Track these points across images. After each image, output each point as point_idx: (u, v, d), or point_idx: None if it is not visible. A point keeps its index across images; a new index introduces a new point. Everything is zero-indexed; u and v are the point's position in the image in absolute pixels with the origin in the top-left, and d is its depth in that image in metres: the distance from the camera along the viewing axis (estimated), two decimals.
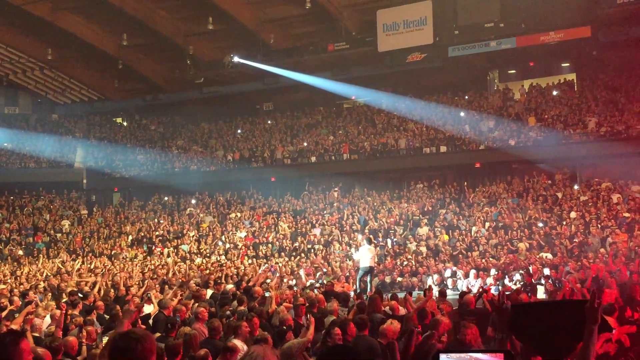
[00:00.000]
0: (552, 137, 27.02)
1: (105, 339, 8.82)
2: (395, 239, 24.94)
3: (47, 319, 10.86)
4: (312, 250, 24.71)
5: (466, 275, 19.50)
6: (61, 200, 35.49)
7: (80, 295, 13.86)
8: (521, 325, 3.33)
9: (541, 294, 15.35)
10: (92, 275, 20.54)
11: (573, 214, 23.42)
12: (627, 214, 22.43)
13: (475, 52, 30.89)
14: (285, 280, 18.71)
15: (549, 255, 20.44)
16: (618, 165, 25.54)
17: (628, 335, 9.39)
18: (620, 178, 25.25)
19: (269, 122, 37.74)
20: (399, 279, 20.49)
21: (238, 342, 8.19)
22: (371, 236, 21.16)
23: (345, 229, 26.39)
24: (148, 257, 26.23)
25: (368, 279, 17.38)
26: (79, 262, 23.94)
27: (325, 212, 28.62)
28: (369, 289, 16.77)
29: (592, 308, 3.20)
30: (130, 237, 29.52)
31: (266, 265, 21.39)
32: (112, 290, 14.68)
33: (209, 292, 14.82)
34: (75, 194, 36.30)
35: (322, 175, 31.28)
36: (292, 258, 24.13)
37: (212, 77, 36.63)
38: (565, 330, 3.20)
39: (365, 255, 17.32)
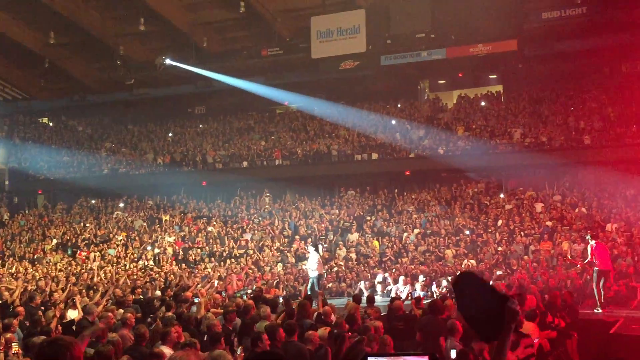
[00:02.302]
0: (479, 147, 27.71)
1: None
2: (325, 245, 25.05)
3: None
4: (245, 256, 24.55)
5: (395, 281, 19.76)
6: None
7: None
8: (461, 293, 3.38)
9: None
10: (13, 280, 19.85)
11: (499, 222, 24.05)
12: (549, 223, 23.18)
13: (406, 62, 31.43)
14: (216, 285, 18.53)
15: (474, 262, 20.91)
16: (541, 175, 26.42)
17: (548, 340, 9.72)
18: (543, 188, 26.10)
19: (201, 125, 37.35)
20: (329, 284, 20.58)
21: (166, 349, 8.06)
22: (317, 243, 21.19)
23: (276, 234, 26.35)
24: (72, 262, 25.53)
25: (309, 286, 17.36)
26: None
27: (256, 217, 28.49)
28: (303, 294, 16.81)
29: (513, 308, 3.28)
30: (54, 241, 28.66)
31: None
32: (37, 295, 14.20)
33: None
34: None
35: (253, 181, 31.14)
36: (222, 263, 23.96)
37: (143, 78, 36.03)
38: (489, 315, 3.26)
39: (314, 263, 17.36)
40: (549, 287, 15.57)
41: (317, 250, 18.44)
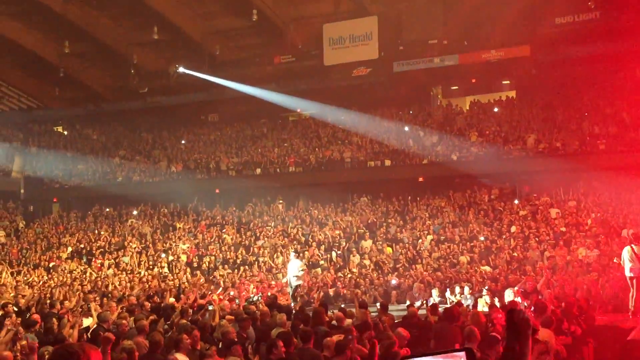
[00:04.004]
0: (493, 153, 27.61)
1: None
2: (338, 252, 25.01)
3: None
4: (257, 263, 24.57)
5: (410, 288, 19.68)
6: None
7: (15, 308, 13.46)
8: None
9: (481, 307, 15.60)
10: (28, 287, 19.98)
11: (513, 228, 23.93)
12: (564, 229, 23.04)
13: (419, 68, 31.41)
14: (232, 293, 18.58)
15: (488, 269, 20.79)
16: (556, 180, 26.25)
17: (564, 346, 9.64)
18: (558, 193, 25.95)
19: (214, 133, 37.47)
20: (343, 291, 20.52)
21: (180, 356, 8.08)
22: (299, 252, 21.15)
23: (289, 241, 26.35)
24: (88, 269, 25.66)
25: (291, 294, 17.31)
26: (6, 273, 23.25)
27: (269, 224, 28.52)
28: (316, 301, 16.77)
29: (522, 317, 3.28)
30: (69, 249, 28.81)
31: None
32: (49, 302, 14.26)
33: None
34: (12, 204, 35.24)
35: (266, 188, 31.18)
36: (236, 270, 23.99)
37: (157, 87, 36.21)
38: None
39: (297, 270, 17.32)
40: (565, 293, 15.44)
41: (298, 257, 18.43)
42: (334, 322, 10.67)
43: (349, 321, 10.55)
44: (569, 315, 11.50)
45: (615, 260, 14.10)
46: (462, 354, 3.10)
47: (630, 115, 26.85)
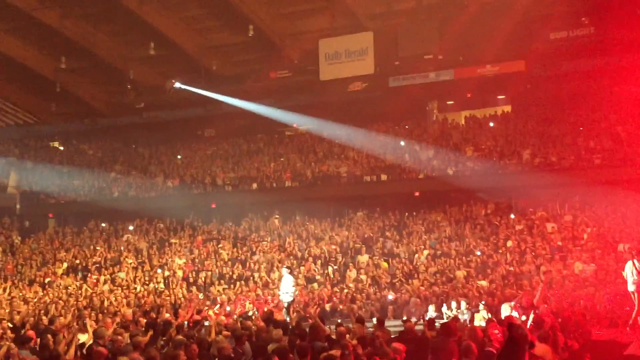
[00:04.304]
0: (488, 167, 27.66)
1: None
2: (335, 267, 24.96)
3: None
4: (253, 278, 24.50)
5: (406, 303, 19.64)
6: None
7: (10, 325, 13.41)
8: None
9: (478, 321, 15.56)
10: (24, 304, 19.90)
11: (509, 243, 23.93)
12: (560, 243, 23.06)
13: (414, 83, 31.55)
14: (228, 309, 18.54)
15: (485, 283, 20.77)
16: (552, 195, 26.29)
17: None
18: (554, 208, 25.98)
19: (210, 148, 37.49)
20: (340, 306, 20.46)
21: None
22: (291, 267, 21.06)
23: (285, 256, 26.29)
24: (84, 285, 25.55)
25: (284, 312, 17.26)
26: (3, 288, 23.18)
27: (265, 239, 28.47)
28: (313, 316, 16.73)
29: (521, 332, 3.31)
30: (65, 265, 28.69)
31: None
32: (49, 318, 14.20)
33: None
34: (7, 219, 35.14)
35: (263, 202, 31.15)
36: (232, 286, 23.92)
37: (153, 102, 36.28)
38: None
39: (289, 287, 17.29)
40: (562, 307, 15.43)
41: (291, 273, 18.39)
42: (333, 336, 10.64)
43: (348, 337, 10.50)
44: (565, 330, 11.50)
45: (624, 274, 13.96)
46: None
47: (625, 129, 26.97)
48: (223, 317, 16.29)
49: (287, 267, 18.78)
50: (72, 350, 9.93)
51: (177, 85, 33.89)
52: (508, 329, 3.32)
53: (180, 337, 10.77)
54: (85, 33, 32.61)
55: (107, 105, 38.56)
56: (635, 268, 13.33)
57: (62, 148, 41.79)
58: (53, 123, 40.81)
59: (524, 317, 13.11)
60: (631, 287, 13.44)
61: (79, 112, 39.41)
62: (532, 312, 13.55)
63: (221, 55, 34.70)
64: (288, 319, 15.85)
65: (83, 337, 11.82)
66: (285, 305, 17.43)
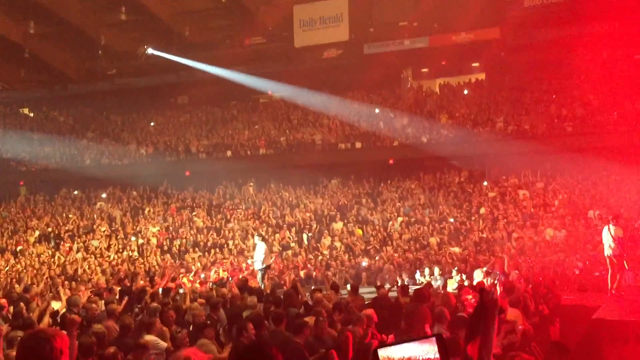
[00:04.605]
0: (462, 135, 27.80)
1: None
2: (309, 234, 25.06)
3: None
4: (227, 246, 24.51)
5: (380, 270, 19.81)
6: None
7: None
8: None
9: (450, 288, 15.78)
10: None
11: (482, 210, 24.18)
12: (532, 210, 23.36)
13: (389, 50, 31.45)
14: (202, 276, 18.55)
15: (458, 250, 21.01)
16: (524, 162, 26.54)
17: (532, 325, 9.82)
18: (526, 175, 26.26)
19: (184, 115, 37.15)
20: (314, 273, 20.59)
21: (150, 337, 8.07)
22: (263, 235, 21.12)
23: (260, 223, 26.33)
24: (56, 253, 25.38)
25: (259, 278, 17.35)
26: None
27: (240, 206, 28.44)
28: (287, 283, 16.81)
29: (491, 298, 3.35)
30: (37, 233, 28.44)
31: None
32: (25, 286, 14.10)
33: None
34: None
35: (237, 170, 31.05)
36: (206, 253, 23.92)
37: (125, 68, 35.77)
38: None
39: (261, 254, 17.35)
40: (532, 273, 15.70)
41: (263, 240, 18.48)
42: (307, 300, 10.72)
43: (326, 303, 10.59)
44: (536, 295, 11.72)
45: (609, 243, 13.86)
46: (434, 339, 3.15)
47: (597, 98, 27.23)
48: (197, 285, 16.31)
49: (259, 235, 18.83)
50: (46, 319, 9.88)
51: (150, 51, 33.41)
52: (479, 294, 3.36)
53: (155, 304, 10.79)
54: None
55: (77, 72, 37.93)
56: (611, 234, 13.56)
57: (32, 115, 41.09)
58: (22, 89, 40.09)
59: (495, 283, 13.33)
60: (607, 252, 13.67)
61: (49, 78, 38.76)
62: (502, 277, 13.79)
63: (194, 21, 34.24)
64: (263, 286, 15.92)
65: (56, 305, 11.76)
66: (260, 272, 17.49)
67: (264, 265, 17.40)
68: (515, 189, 25.45)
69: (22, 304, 11.33)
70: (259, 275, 17.46)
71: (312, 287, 14.69)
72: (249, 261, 19.80)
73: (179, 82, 36.50)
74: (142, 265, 21.76)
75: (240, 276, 17.64)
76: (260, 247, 17.61)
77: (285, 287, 15.72)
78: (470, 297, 10.01)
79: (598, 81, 28.36)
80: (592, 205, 22.44)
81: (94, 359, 6.89)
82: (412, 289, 12.47)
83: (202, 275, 18.81)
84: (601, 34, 28.37)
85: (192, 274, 18.75)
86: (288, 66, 33.43)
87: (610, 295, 13.64)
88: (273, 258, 18.77)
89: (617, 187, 23.56)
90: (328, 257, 22.31)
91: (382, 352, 3.09)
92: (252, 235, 24.69)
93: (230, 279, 18.54)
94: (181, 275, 18.26)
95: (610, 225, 13.70)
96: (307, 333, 7.90)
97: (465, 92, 31.98)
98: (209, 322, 9.29)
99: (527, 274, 15.55)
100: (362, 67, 32.89)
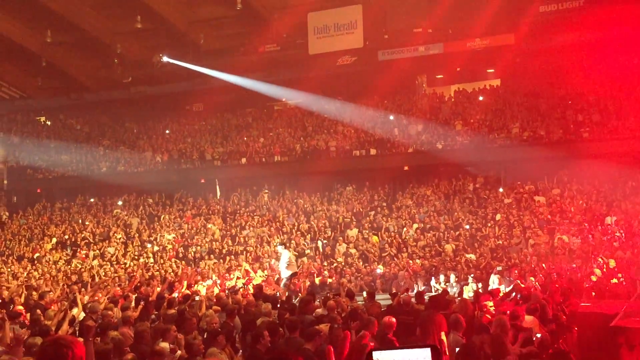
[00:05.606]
0: (477, 141, 27.69)
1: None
2: (325, 241, 25.04)
3: None
4: (244, 253, 24.54)
5: (395, 277, 19.76)
6: None
7: None
8: None
9: (466, 294, 15.70)
10: (14, 279, 19.87)
11: (498, 216, 24.06)
12: (548, 216, 23.21)
13: (404, 57, 31.38)
14: (218, 282, 18.58)
15: (473, 256, 20.91)
16: (540, 168, 26.40)
17: (549, 332, 9.74)
18: (542, 181, 26.11)
19: (199, 122, 37.29)
20: (329, 280, 20.55)
21: (165, 345, 8.09)
22: (284, 242, 21.23)
23: (272, 232, 26.34)
24: (72, 260, 25.54)
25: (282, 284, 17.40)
26: None
27: (255, 213, 28.48)
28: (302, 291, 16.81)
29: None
30: (54, 240, 28.64)
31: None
32: (39, 293, 14.20)
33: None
34: None
35: (252, 177, 31.11)
36: (222, 260, 23.97)
37: (141, 76, 35.95)
38: None
39: (285, 262, 17.40)
40: (549, 280, 15.57)
41: (286, 247, 18.55)
42: (319, 310, 10.70)
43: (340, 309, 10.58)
44: (553, 302, 11.62)
45: None
46: (429, 349, 3.16)
47: (613, 103, 27.03)
48: (216, 289, 16.37)
49: (282, 244, 18.89)
50: (65, 325, 9.95)
51: (165, 59, 33.60)
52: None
53: (172, 311, 10.83)
54: (72, 6, 32.20)
55: (94, 80, 38.20)
56: None
57: (49, 123, 41.47)
58: (39, 98, 40.47)
59: (512, 287, 13.25)
60: None
61: (65, 86, 39.04)
62: (519, 284, 13.70)
63: (209, 29, 34.38)
64: (287, 292, 15.99)
65: (73, 312, 11.82)
66: (284, 280, 17.55)
67: (290, 273, 17.44)
68: (531, 195, 25.31)
69: (38, 310, 11.41)
70: (282, 283, 17.51)
71: (327, 294, 14.70)
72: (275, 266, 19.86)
73: (194, 89, 36.63)
74: (157, 273, 21.82)
75: (263, 284, 17.61)
76: (285, 256, 17.67)
77: (300, 294, 15.71)
78: (490, 302, 9.97)
79: (614, 87, 28.18)
80: (609, 212, 22.27)
81: None
82: (427, 296, 12.43)
83: (218, 281, 18.81)
84: (616, 39, 28.18)
85: (209, 281, 18.79)
86: (302, 73, 33.42)
87: (628, 303, 13.48)
88: (298, 265, 18.84)
89: (634, 193, 23.35)
90: (343, 264, 22.28)
91: (376, 355, 3.11)
92: (268, 243, 24.77)
93: (245, 286, 18.56)
94: (197, 283, 18.29)
95: None
96: (319, 341, 7.89)
97: (480, 98, 31.85)
98: (221, 329, 9.29)
99: (544, 280, 15.44)
100: (376, 74, 32.85)
